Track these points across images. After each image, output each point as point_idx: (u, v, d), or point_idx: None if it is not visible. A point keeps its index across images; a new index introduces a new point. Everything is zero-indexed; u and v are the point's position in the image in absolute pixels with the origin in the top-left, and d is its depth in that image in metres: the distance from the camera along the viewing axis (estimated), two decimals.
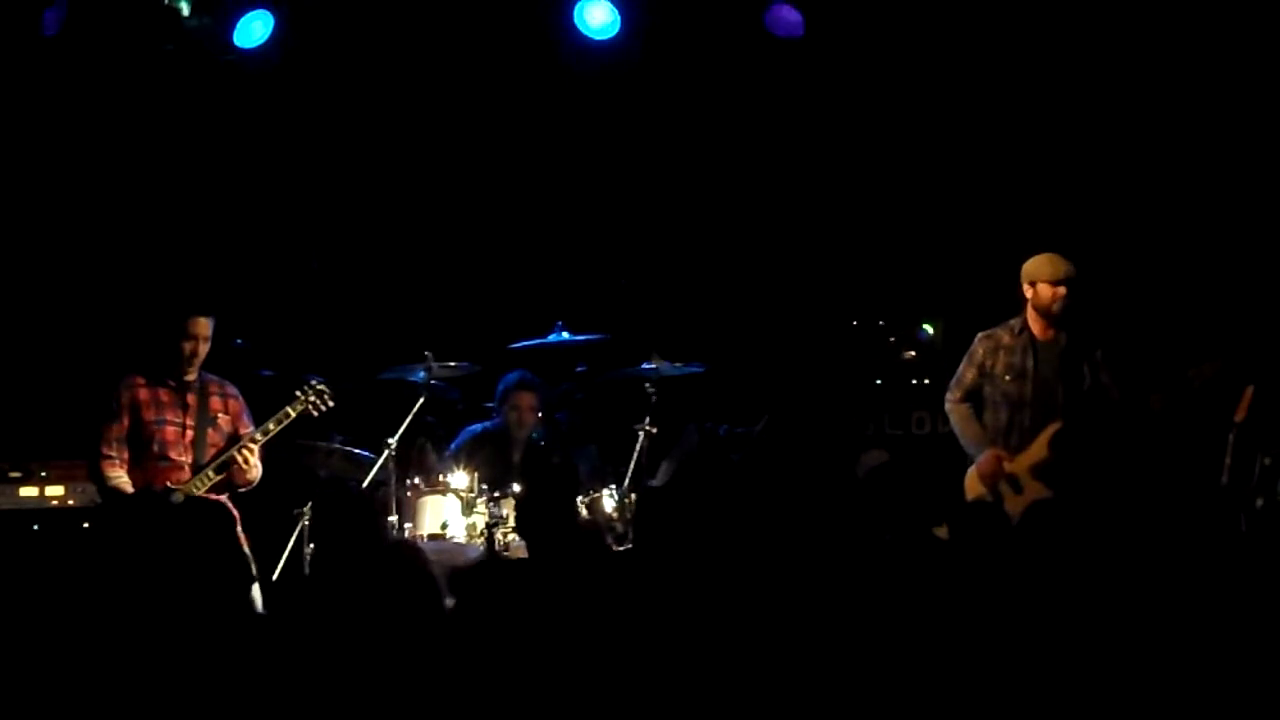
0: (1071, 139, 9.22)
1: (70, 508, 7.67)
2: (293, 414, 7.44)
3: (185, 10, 8.60)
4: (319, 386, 7.51)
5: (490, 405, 8.82)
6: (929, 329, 9.44)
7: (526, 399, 8.65)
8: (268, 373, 8.65)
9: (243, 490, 7.37)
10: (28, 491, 7.74)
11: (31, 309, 9.17)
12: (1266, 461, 7.43)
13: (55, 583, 7.20)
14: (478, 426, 8.71)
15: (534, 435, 8.69)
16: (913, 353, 9.38)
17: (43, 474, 7.76)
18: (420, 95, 9.52)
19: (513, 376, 8.72)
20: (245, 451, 7.28)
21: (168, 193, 9.45)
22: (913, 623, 4.85)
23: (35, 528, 7.60)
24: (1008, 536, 5.32)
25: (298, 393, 7.48)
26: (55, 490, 7.75)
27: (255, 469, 7.36)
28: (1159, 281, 9.00)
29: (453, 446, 8.57)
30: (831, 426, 9.42)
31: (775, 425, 9.39)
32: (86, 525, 7.48)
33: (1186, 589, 4.77)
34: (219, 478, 7.28)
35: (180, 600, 4.84)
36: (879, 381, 9.46)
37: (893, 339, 9.48)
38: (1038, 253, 7.53)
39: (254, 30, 8.85)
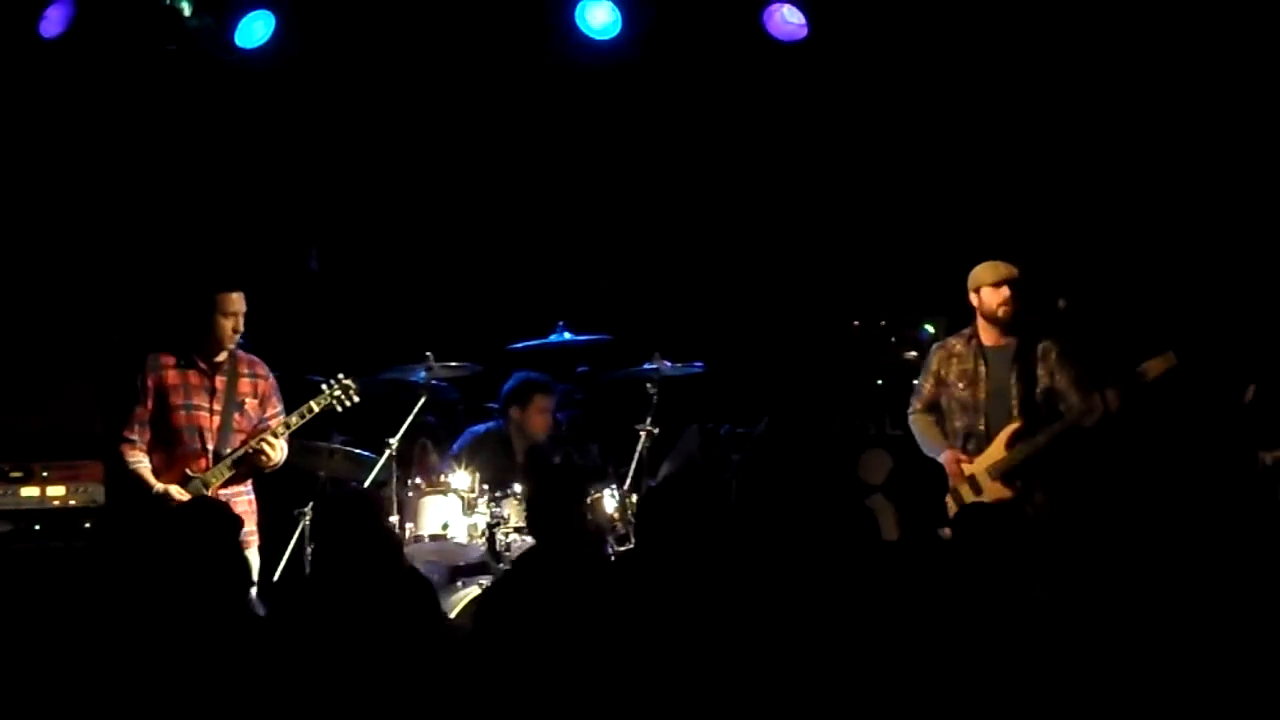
0: (1071, 137, 9.21)
1: (71, 508, 7.67)
2: (316, 409, 7.40)
3: (187, 10, 8.60)
4: (345, 381, 7.47)
5: (493, 405, 8.81)
6: (930, 329, 9.42)
7: (549, 403, 8.64)
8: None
9: (267, 472, 7.35)
10: (29, 491, 7.73)
11: (30, 308, 9.16)
12: (1268, 460, 7.44)
13: (56, 583, 7.23)
14: (480, 427, 8.71)
15: None
16: (914, 353, 9.36)
17: (44, 474, 7.75)
18: (421, 95, 9.52)
19: (533, 377, 8.68)
20: (266, 444, 7.25)
21: (169, 192, 9.45)
22: (913, 622, 4.85)
23: (36, 528, 7.61)
24: (1012, 536, 5.32)
25: (323, 386, 7.46)
26: (56, 490, 7.74)
27: (279, 454, 7.31)
28: (1152, 279, 8.98)
29: (455, 447, 8.56)
30: (833, 427, 9.42)
31: (776, 425, 9.39)
32: (88, 525, 7.49)
33: (1175, 587, 4.77)
34: (236, 471, 7.24)
35: (177, 601, 4.84)
36: (880, 382, 9.45)
37: (894, 339, 9.47)
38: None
39: (255, 30, 8.85)
